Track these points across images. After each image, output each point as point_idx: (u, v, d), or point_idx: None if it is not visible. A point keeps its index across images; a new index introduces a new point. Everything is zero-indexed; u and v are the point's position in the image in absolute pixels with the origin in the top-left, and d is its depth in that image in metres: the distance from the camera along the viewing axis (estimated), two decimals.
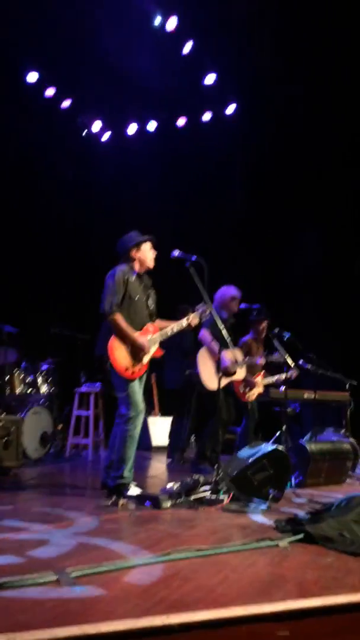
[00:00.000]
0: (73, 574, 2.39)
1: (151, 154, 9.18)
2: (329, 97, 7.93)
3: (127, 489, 4.21)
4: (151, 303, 4.63)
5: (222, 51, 8.11)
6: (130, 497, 4.13)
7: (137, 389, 4.38)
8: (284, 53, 7.81)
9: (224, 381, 5.43)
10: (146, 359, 4.42)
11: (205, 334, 5.66)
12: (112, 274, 4.45)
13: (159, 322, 4.61)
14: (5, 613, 1.99)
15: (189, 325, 4.60)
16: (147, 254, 4.56)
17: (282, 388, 5.97)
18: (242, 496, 4.03)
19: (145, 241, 4.58)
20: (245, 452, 4.47)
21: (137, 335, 4.35)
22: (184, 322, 4.58)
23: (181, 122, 9.31)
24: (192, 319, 4.60)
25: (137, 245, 4.55)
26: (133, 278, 4.50)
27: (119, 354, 4.30)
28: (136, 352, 4.35)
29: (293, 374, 6.02)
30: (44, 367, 7.09)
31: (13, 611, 2.01)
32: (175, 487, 4.15)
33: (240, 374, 5.83)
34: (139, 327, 4.43)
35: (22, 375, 6.73)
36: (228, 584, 2.39)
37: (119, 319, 4.31)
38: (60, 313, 8.30)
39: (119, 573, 2.49)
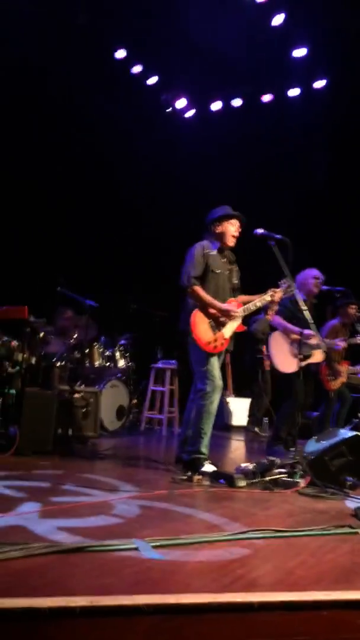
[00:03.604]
0: (152, 544, 2.42)
1: (235, 130, 9.03)
2: None
3: (202, 465, 4.22)
4: (234, 278, 4.58)
5: (314, 24, 7.80)
6: (205, 473, 4.14)
7: (216, 364, 4.36)
8: None
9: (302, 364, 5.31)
10: (228, 332, 4.39)
11: (278, 319, 5.49)
12: (192, 248, 4.44)
13: (242, 298, 4.56)
14: (88, 576, 2.04)
15: (272, 300, 4.52)
16: (227, 230, 4.49)
17: None
18: (318, 481, 3.95)
19: (227, 217, 4.51)
20: (323, 437, 4.37)
21: (220, 303, 4.33)
22: (267, 297, 4.50)
23: (267, 98, 9.09)
24: (276, 294, 4.50)
25: (219, 220, 4.50)
26: (214, 252, 4.46)
27: (201, 328, 4.30)
28: (219, 322, 4.34)
29: None
30: (122, 342, 7.22)
31: (96, 574, 2.05)
32: (250, 467, 4.13)
33: (318, 356, 5.67)
34: (222, 301, 4.41)
35: (101, 349, 6.88)
36: (307, 567, 2.35)
37: (198, 290, 4.31)
38: (139, 289, 8.39)
39: (196, 547, 2.49)
